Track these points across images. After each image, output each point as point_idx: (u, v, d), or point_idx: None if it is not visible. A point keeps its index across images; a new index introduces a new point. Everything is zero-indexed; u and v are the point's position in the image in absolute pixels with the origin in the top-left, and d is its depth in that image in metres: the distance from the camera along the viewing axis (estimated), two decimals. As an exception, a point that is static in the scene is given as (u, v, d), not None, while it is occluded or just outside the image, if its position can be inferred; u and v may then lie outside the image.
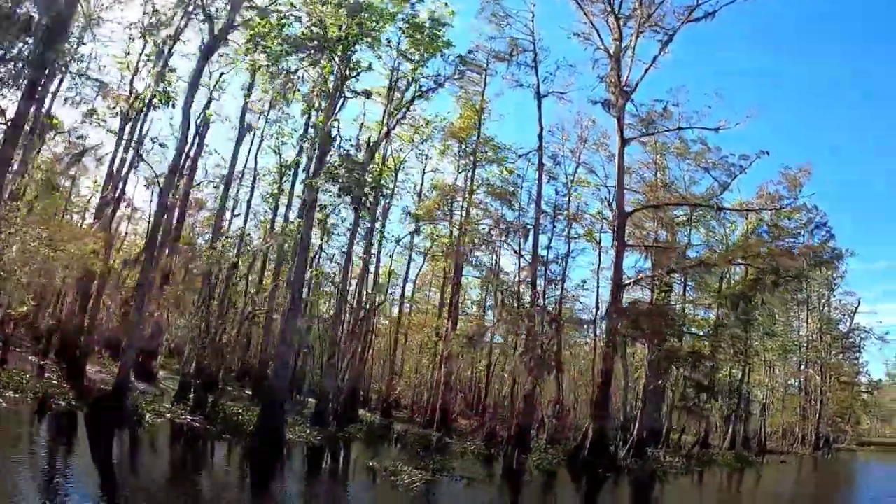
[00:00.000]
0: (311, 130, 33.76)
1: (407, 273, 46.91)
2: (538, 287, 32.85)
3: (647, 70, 32.92)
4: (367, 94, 28.84)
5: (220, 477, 18.34)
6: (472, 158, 39.83)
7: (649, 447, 37.06)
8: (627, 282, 32.66)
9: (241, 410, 26.49)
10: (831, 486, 36.43)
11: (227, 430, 23.02)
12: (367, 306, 36.77)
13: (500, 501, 20.68)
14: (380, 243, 40.79)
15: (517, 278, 34.84)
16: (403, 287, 48.98)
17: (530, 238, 33.70)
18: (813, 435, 62.73)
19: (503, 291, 34.81)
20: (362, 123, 34.79)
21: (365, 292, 36.93)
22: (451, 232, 40.57)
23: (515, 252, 33.64)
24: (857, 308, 77.04)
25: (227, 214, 40.41)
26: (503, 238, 33.10)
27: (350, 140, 27.17)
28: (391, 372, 46.38)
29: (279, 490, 17.54)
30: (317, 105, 29.16)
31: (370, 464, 21.78)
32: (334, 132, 25.02)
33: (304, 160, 34.62)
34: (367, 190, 30.80)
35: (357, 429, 31.63)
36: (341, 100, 25.65)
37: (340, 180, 24.92)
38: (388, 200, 40.91)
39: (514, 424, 32.36)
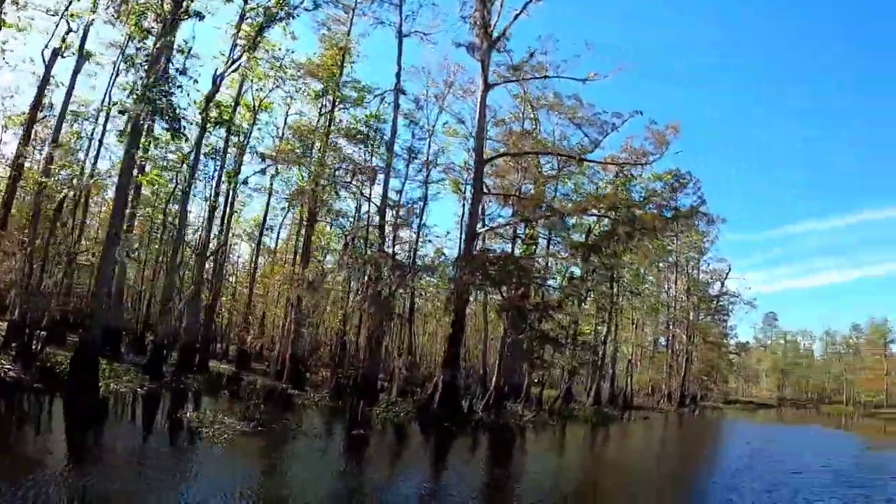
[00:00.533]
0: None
1: (265, 219, 44.49)
2: (387, 233, 31.39)
3: (516, 16, 31.41)
4: (200, 16, 26.13)
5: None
6: (331, 99, 37.54)
7: (510, 401, 36.53)
8: (481, 230, 31.63)
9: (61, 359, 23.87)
10: (689, 441, 36.92)
11: (43, 380, 20.56)
12: (217, 250, 34.50)
13: (317, 453, 18.81)
14: (232, 185, 38.40)
15: (366, 223, 33.08)
16: (261, 233, 46.47)
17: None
18: (679, 392, 64.38)
19: (347, 235, 33.07)
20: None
21: (213, 235, 34.65)
22: (304, 176, 38.33)
23: (364, 196, 31.83)
24: (727, 274, 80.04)
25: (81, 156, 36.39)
26: (349, 180, 31.12)
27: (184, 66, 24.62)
28: (245, 321, 44.30)
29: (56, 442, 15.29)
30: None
31: (187, 415, 19.94)
32: (164, 56, 22.48)
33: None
34: (195, 119, 28.75)
35: (196, 379, 29.53)
36: (174, 22, 23.03)
37: (157, 103, 22.44)
38: (243, 140, 38.39)
39: (359, 375, 31.06)
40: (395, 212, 32.86)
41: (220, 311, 48.69)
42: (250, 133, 39.02)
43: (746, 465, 22.01)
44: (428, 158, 35.83)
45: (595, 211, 31.78)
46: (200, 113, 30.53)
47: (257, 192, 42.68)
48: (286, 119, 42.26)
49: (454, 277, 28.54)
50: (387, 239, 32.25)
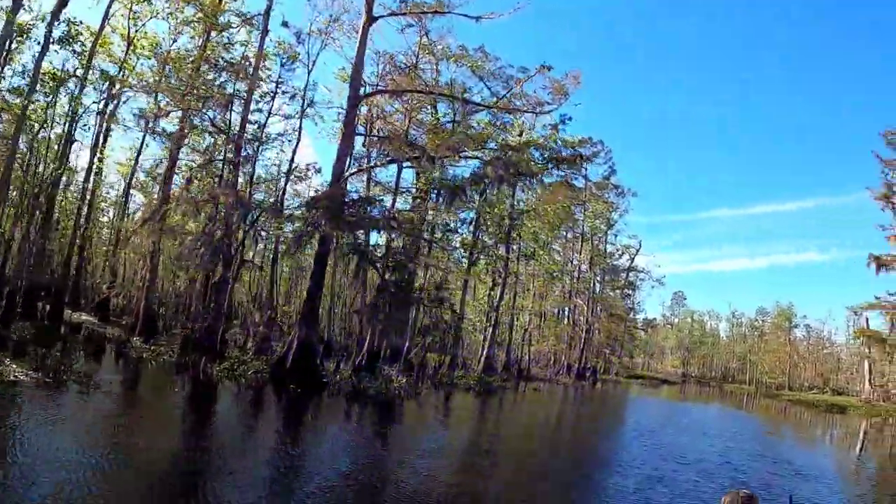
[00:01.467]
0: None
1: (137, 157, 40.34)
2: (246, 170, 28.06)
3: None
4: None
5: None
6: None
7: (388, 365, 33.73)
8: (348, 174, 28.57)
9: None
10: (575, 418, 34.93)
11: None
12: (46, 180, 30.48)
13: (80, 412, 15.43)
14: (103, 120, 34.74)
15: (219, 155, 29.58)
16: (131, 174, 42.15)
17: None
18: (578, 364, 62.99)
19: (191, 171, 29.53)
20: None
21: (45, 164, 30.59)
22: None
23: (216, 127, 28.20)
24: (637, 250, 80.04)
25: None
26: (200, 108, 27.40)
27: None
28: (110, 270, 40.56)
29: None
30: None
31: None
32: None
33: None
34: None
35: (25, 327, 26.18)
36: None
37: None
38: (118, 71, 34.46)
39: (202, 327, 27.88)
40: (255, 146, 29.36)
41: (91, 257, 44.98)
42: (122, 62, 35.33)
43: (630, 452, 19.04)
44: (302, 93, 32.14)
45: (467, 150, 28.89)
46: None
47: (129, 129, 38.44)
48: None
49: (306, 221, 25.27)
50: (245, 176, 28.93)
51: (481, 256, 44.30)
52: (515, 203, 48.20)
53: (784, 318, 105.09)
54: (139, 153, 40.34)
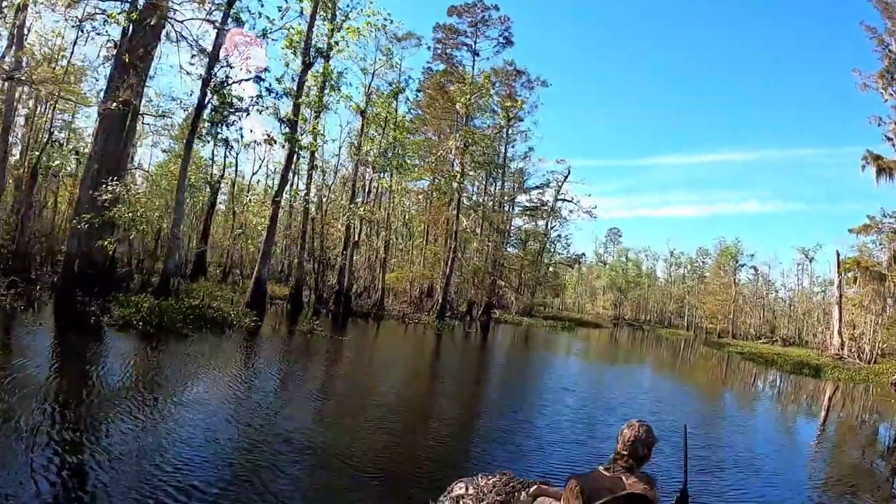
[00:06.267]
0: None
1: None
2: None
3: None
4: None
5: None
6: None
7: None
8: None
9: None
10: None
11: None
12: None
13: None
14: None
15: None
16: None
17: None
18: (440, 297, 45.05)
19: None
20: None
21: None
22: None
23: None
24: (566, 177, 66.91)
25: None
26: None
27: None
28: None
29: None
30: None
31: None
32: None
33: None
34: None
35: None
36: None
37: None
38: None
39: None
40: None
41: None
42: None
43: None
44: None
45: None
46: None
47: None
48: None
49: None
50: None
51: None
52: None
53: (729, 256, 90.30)
54: None
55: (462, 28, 51.03)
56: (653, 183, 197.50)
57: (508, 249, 62.90)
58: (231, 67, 26.17)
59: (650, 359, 39.81)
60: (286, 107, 30.47)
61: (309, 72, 30.58)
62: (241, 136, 29.79)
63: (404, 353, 25.50)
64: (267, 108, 27.96)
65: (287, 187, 32.73)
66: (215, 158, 48.87)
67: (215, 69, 25.64)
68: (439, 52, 52.22)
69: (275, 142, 28.69)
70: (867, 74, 37.06)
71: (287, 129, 29.00)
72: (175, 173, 30.63)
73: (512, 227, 64.33)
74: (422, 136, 53.41)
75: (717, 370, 36.23)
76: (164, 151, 46.66)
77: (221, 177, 46.81)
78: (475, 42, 50.35)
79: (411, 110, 54.31)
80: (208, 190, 42.76)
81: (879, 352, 48.21)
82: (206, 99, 25.58)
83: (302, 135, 31.49)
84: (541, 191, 67.46)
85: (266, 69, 26.77)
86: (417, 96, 56.67)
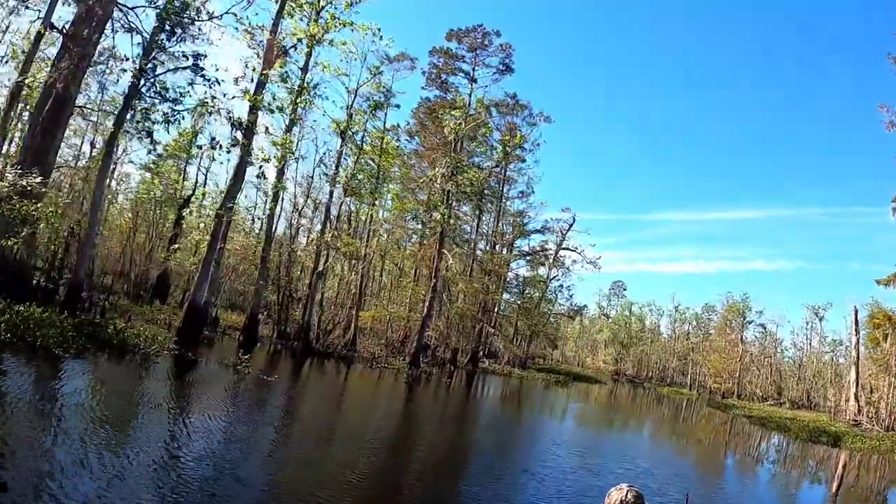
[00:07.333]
0: None
1: None
2: None
3: None
4: None
5: None
6: None
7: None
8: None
9: None
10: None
11: None
12: None
13: None
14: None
15: None
16: None
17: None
18: (415, 341, 40.18)
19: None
20: None
21: None
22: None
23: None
24: (571, 225, 65.24)
25: None
26: None
27: None
28: None
29: None
30: None
31: None
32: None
33: None
34: None
35: None
36: None
37: None
38: None
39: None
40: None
41: None
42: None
43: None
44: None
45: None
46: None
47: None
48: None
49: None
50: None
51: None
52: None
53: (736, 312, 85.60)
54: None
55: (460, 53, 47.66)
56: (655, 238, 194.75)
57: (505, 296, 59.04)
58: (168, 55, 22.61)
59: (654, 426, 35.13)
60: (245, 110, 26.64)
61: (273, 72, 26.80)
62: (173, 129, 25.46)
63: (338, 407, 20.40)
64: (211, 105, 23.96)
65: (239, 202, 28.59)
66: (188, 173, 45.63)
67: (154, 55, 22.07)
68: (434, 76, 48.74)
69: (219, 147, 24.62)
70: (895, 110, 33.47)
71: (238, 135, 25.02)
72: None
73: (509, 273, 60.22)
74: (416, 170, 49.73)
75: (726, 438, 31.71)
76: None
77: (193, 193, 43.36)
78: (473, 69, 46.94)
79: (401, 139, 50.96)
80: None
81: (897, 418, 43.97)
82: (140, 87, 21.93)
83: (265, 150, 27.58)
84: (542, 235, 64.33)
85: (203, 55, 22.90)
86: (409, 123, 53.26)
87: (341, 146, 35.58)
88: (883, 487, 21.24)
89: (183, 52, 23.20)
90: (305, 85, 30.37)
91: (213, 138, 26.71)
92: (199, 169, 47.87)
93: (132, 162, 46.02)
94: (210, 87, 22.76)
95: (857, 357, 47.18)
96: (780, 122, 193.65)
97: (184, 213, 40.70)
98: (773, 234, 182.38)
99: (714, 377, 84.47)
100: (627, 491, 3.66)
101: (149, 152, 28.76)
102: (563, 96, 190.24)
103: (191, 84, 22.76)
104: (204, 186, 46.79)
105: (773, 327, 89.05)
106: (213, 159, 44.23)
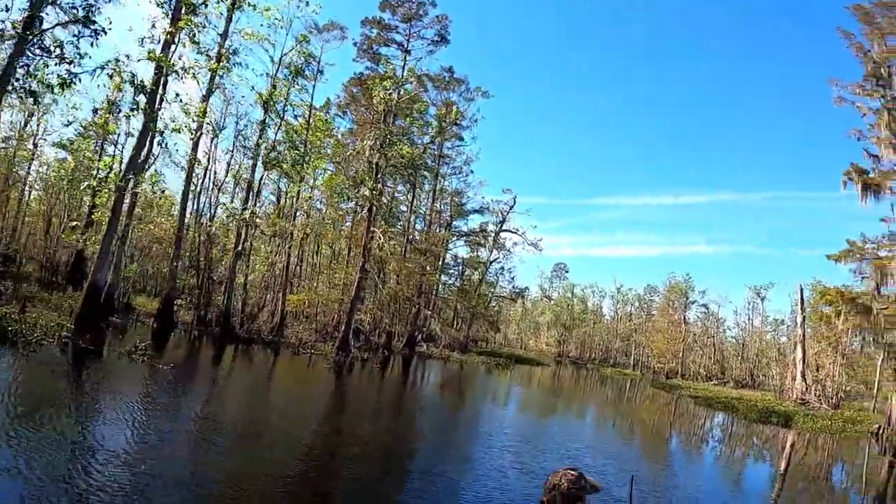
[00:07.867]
0: None
1: None
2: None
3: None
4: None
5: None
6: None
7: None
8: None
9: None
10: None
11: None
12: None
13: None
14: None
15: None
16: None
17: None
18: (345, 326, 38.01)
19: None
20: None
21: None
22: None
23: None
24: (511, 207, 63.77)
25: None
26: None
27: None
28: None
29: None
30: None
31: None
32: None
33: None
34: None
35: None
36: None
37: None
38: None
39: None
40: None
41: None
42: None
43: None
44: None
45: None
46: None
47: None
48: None
49: None
50: None
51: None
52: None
53: (679, 292, 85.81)
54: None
55: (394, 24, 45.39)
56: (600, 222, 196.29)
57: (443, 278, 57.39)
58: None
59: (598, 409, 33.73)
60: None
61: (181, 29, 24.14)
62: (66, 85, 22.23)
63: (249, 400, 17.91)
64: (114, 67, 21.26)
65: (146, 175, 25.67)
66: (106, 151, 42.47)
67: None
68: (366, 48, 46.37)
69: (118, 112, 21.93)
70: (844, 84, 32.36)
71: (141, 98, 22.39)
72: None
73: (448, 254, 58.53)
74: (350, 148, 47.38)
75: (671, 419, 30.53)
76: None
77: (109, 172, 40.28)
78: (408, 40, 44.71)
79: (333, 116, 48.51)
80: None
81: (843, 395, 44.00)
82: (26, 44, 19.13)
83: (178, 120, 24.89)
84: (482, 216, 62.93)
85: (95, 6, 20.09)
86: (339, 97, 50.82)
87: (264, 116, 33.16)
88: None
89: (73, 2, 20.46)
90: (224, 51, 27.96)
91: (112, 102, 24.05)
92: (115, 146, 44.62)
93: (44, 139, 42.41)
94: (95, 39, 20.01)
95: (804, 335, 46.89)
96: (723, 106, 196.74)
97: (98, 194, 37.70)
98: (716, 218, 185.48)
99: (658, 357, 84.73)
100: (563, 475, 3.54)
101: (33, 102, 25.53)
102: (509, 83, 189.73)
103: (76, 36, 20.05)
104: (121, 165, 43.71)
105: (716, 307, 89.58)
106: (129, 134, 41.18)
